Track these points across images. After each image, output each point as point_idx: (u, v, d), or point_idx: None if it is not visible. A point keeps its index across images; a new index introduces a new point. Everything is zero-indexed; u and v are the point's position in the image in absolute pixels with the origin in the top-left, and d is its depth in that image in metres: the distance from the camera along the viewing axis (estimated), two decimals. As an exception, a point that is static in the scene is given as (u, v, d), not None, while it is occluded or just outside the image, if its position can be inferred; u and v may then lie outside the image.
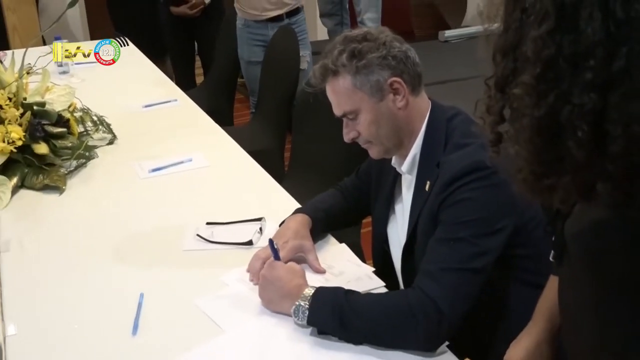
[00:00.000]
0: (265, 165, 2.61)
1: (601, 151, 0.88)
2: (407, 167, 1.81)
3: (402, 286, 1.90)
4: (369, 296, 1.68)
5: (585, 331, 1.18)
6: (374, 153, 1.82)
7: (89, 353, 1.61)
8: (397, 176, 1.90)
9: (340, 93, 1.74)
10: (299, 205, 2.15)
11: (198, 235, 2.06)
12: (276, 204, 2.27)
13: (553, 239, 1.24)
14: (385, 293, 1.74)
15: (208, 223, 2.12)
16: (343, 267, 1.90)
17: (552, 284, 1.45)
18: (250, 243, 2.00)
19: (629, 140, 0.86)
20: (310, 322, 1.61)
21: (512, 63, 0.96)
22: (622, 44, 0.85)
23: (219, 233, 2.07)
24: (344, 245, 2.02)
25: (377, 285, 1.82)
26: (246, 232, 2.04)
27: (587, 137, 0.88)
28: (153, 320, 1.70)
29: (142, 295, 1.78)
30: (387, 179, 1.94)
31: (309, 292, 1.63)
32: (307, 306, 1.61)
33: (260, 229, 2.06)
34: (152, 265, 1.95)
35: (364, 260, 2.00)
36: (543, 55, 0.89)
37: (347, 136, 1.80)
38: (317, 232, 1.99)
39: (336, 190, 2.13)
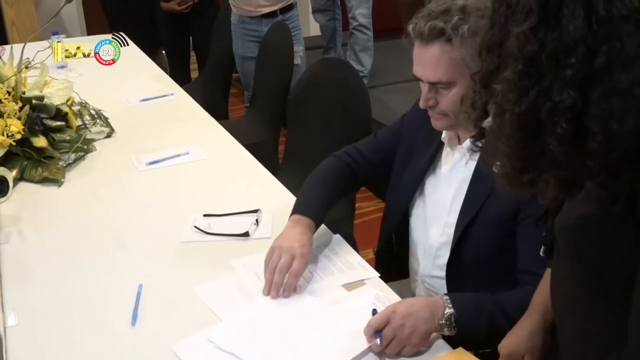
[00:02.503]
0: (260, 157, 2.63)
1: (580, 148, 0.90)
2: (470, 144, 1.74)
3: (421, 260, 1.93)
4: (511, 298, 1.64)
5: (571, 323, 1.20)
6: (442, 125, 1.79)
7: (88, 343, 1.62)
8: (438, 149, 1.89)
9: (444, 61, 1.67)
10: (293, 197, 2.17)
11: (195, 226, 2.08)
12: (272, 195, 2.30)
13: (544, 234, 1.27)
14: (519, 296, 1.63)
15: (205, 215, 2.14)
16: (338, 257, 1.93)
17: (547, 277, 1.44)
18: (246, 234, 2.02)
19: (607, 137, 0.88)
20: (460, 332, 1.58)
21: (496, 59, 0.97)
22: (603, 42, 0.86)
23: (216, 225, 2.09)
24: (338, 235, 2.04)
25: (371, 275, 1.85)
26: (243, 223, 2.07)
27: (567, 134, 0.89)
28: (152, 310, 1.72)
29: (140, 286, 1.80)
30: (427, 149, 1.92)
31: (447, 299, 1.60)
32: (453, 311, 1.57)
33: (257, 220, 2.08)
34: (150, 256, 1.97)
35: (357, 251, 2.02)
36: (525, 51, 0.91)
37: (426, 103, 1.75)
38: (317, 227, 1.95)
39: (341, 164, 2.08)
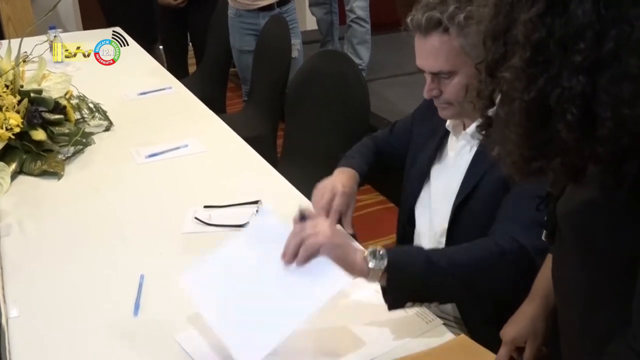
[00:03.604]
0: (259, 151, 2.63)
1: (590, 134, 0.90)
2: (473, 129, 1.79)
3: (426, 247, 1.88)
4: (452, 247, 1.67)
5: (574, 308, 1.20)
6: (448, 114, 1.82)
7: (91, 333, 1.63)
8: (444, 138, 1.92)
9: (443, 51, 1.69)
10: (293, 189, 2.18)
11: (196, 218, 2.08)
12: (271, 187, 2.30)
13: (545, 218, 1.28)
14: (469, 243, 1.64)
15: (206, 206, 2.15)
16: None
17: (549, 262, 1.44)
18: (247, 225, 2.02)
19: (617, 123, 0.88)
20: (392, 263, 1.46)
21: (502, 47, 0.97)
22: (612, 26, 0.86)
23: (217, 216, 2.09)
24: (338, 226, 2.04)
25: None
26: (243, 214, 2.07)
27: (577, 120, 0.89)
28: (153, 301, 1.73)
29: (142, 277, 1.80)
30: (432, 140, 1.94)
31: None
32: (383, 250, 1.48)
33: (257, 211, 2.08)
34: (151, 247, 1.98)
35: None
36: (533, 38, 0.90)
37: (430, 93, 1.77)
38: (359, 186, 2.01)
39: (372, 144, 2.15)
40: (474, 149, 1.81)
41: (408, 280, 1.49)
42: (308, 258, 1.49)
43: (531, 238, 1.53)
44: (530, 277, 1.57)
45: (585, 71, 0.88)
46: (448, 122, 1.88)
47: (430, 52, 1.71)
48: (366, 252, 1.47)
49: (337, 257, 1.48)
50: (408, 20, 1.72)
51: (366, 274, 1.46)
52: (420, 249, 1.61)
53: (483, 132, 1.10)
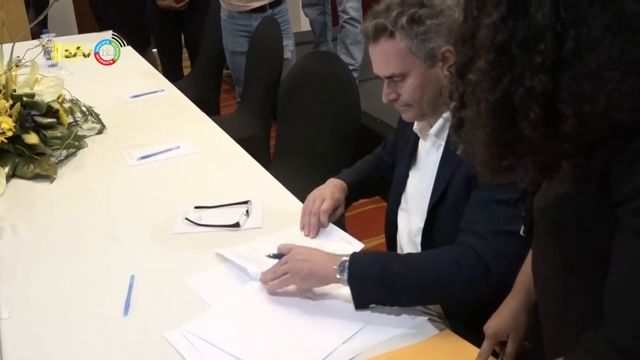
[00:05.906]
0: (252, 152, 2.64)
1: (555, 131, 0.93)
2: (436, 130, 1.83)
3: (405, 249, 1.97)
4: (414, 254, 1.74)
5: (552, 301, 1.23)
6: (410, 116, 1.86)
7: (81, 333, 1.64)
8: (416, 142, 1.96)
9: (392, 55, 1.74)
10: (284, 188, 2.20)
11: (187, 219, 2.10)
12: (262, 187, 2.32)
13: (523, 214, 1.30)
14: (430, 250, 1.77)
15: (196, 207, 2.16)
16: (335, 245, 1.93)
17: (530, 257, 1.46)
18: (237, 225, 2.04)
19: (580, 120, 0.91)
20: (352, 275, 1.63)
21: (470, 50, 1.00)
22: (571, 27, 0.89)
23: (207, 216, 2.11)
24: (331, 225, 2.05)
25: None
26: (233, 214, 2.09)
27: (540, 118, 0.93)
28: (144, 301, 1.74)
29: (132, 277, 1.82)
30: (407, 148, 1.99)
31: (349, 253, 1.68)
32: (347, 262, 1.64)
33: (247, 211, 2.10)
34: (142, 248, 1.99)
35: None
36: (496, 41, 0.94)
37: (387, 97, 1.82)
38: (351, 199, 2.14)
39: (373, 159, 2.25)
40: (441, 149, 1.84)
41: (366, 288, 1.64)
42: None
43: (490, 247, 1.61)
44: (487, 285, 1.63)
45: (546, 70, 0.91)
46: (415, 126, 1.92)
47: (380, 57, 1.78)
48: (335, 266, 1.65)
49: (312, 285, 1.72)
50: (359, 30, 1.80)
51: (340, 282, 1.65)
52: (378, 256, 1.68)
53: (455, 133, 1.13)
